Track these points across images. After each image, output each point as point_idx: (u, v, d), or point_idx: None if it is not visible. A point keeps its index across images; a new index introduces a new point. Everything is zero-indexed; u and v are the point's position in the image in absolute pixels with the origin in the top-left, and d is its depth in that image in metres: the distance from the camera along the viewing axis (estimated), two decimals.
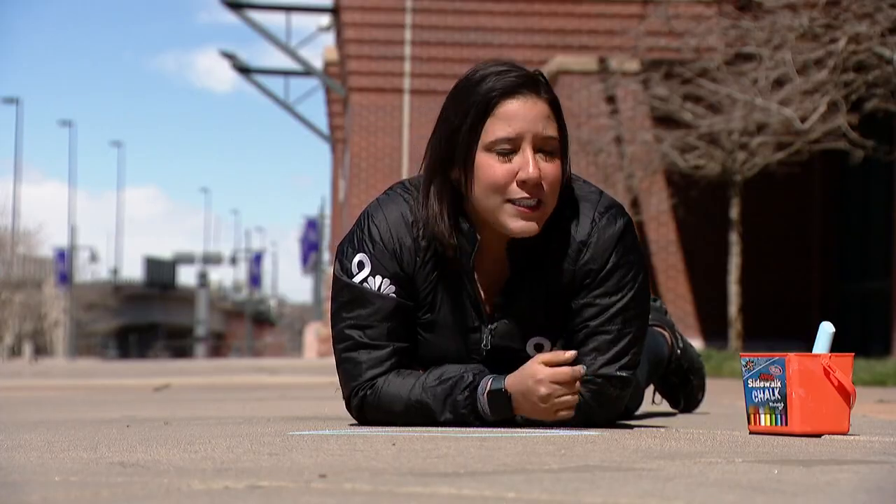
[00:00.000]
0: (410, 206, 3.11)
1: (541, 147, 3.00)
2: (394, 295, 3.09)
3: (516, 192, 2.99)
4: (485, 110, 2.99)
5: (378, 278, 3.09)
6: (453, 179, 3.05)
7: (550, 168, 3.00)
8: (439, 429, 3.04)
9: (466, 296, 3.12)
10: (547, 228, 3.05)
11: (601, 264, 3.07)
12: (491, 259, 3.10)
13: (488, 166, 2.99)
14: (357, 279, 3.11)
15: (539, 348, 3.15)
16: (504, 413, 3.03)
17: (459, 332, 3.14)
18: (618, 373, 3.09)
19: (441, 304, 3.13)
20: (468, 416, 3.05)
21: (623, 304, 3.09)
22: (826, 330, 2.95)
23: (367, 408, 3.14)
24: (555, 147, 3.02)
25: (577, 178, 3.16)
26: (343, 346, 3.14)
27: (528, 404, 3.00)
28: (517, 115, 2.99)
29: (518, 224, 3.00)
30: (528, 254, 3.08)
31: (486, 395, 3.02)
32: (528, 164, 2.97)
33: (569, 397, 2.98)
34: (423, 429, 3.05)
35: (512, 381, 3.01)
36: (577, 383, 2.99)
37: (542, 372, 2.96)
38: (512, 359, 3.13)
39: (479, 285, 3.12)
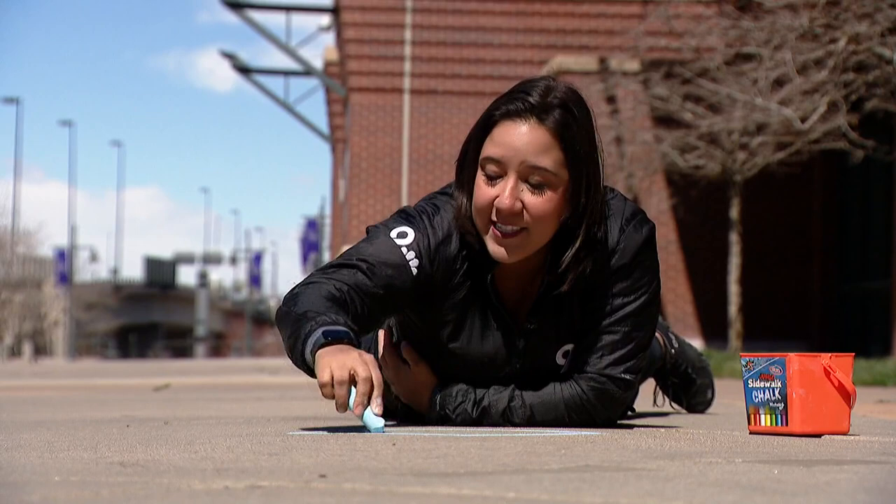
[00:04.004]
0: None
1: (528, 177, 2.95)
2: (414, 270, 3.01)
3: (494, 216, 2.97)
4: (485, 128, 2.99)
5: (412, 253, 3.02)
6: (466, 186, 3.04)
7: (535, 200, 2.95)
8: (439, 429, 3.04)
9: (495, 314, 3.11)
10: (570, 247, 3.02)
11: (623, 265, 3.08)
12: (517, 276, 3.10)
13: (478, 186, 2.99)
14: (395, 240, 3.03)
15: (567, 355, 3.15)
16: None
17: (490, 350, 3.13)
18: (622, 375, 3.10)
19: (470, 318, 3.10)
20: (299, 342, 2.83)
21: (634, 308, 3.09)
22: None
23: (286, 298, 2.97)
24: (547, 179, 2.95)
25: (607, 191, 3.12)
26: (335, 261, 3.05)
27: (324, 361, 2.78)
28: (507, 139, 2.95)
29: (493, 248, 2.99)
30: (558, 275, 3.06)
31: (321, 331, 2.81)
32: (505, 192, 2.94)
33: (341, 390, 2.74)
34: (423, 428, 3.06)
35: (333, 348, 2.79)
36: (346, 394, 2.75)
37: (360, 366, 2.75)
38: (543, 369, 3.15)
39: (506, 303, 3.10)
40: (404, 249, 3.02)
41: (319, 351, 2.78)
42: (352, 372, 2.74)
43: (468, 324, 3.11)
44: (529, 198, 2.95)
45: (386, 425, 2.97)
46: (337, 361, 2.75)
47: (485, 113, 3.02)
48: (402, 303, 3.06)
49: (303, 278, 3.05)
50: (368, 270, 2.98)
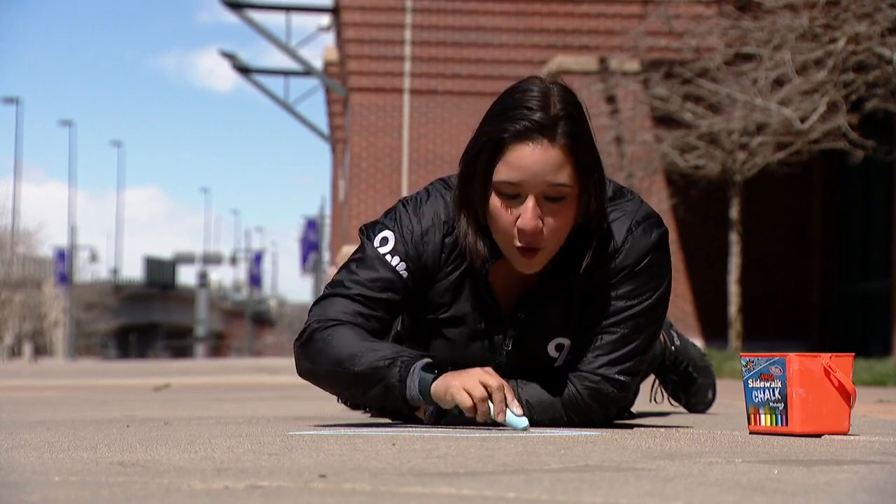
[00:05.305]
0: (446, 204, 3.12)
1: (548, 195, 2.96)
2: (404, 273, 3.10)
3: (517, 237, 2.98)
4: (495, 151, 2.97)
5: (396, 258, 3.11)
6: (475, 203, 3.04)
7: (555, 217, 2.97)
8: (439, 429, 3.05)
9: (486, 304, 3.13)
10: (578, 245, 3.05)
11: (628, 268, 3.08)
12: (513, 270, 3.10)
13: (496, 209, 2.99)
14: (378, 250, 3.13)
15: (560, 348, 3.16)
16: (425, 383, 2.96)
17: (480, 332, 3.16)
18: (616, 375, 3.10)
19: (462, 303, 3.14)
20: (395, 387, 2.98)
21: (637, 311, 3.09)
22: None
23: (310, 347, 3.11)
24: (565, 193, 2.97)
25: (618, 191, 3.15)
26: (329, 290, 3.15)
27: (443, 385, 2.93)
28: (523, 163, 2.94)
29: (518, 263, 3.02)
30: (557, 270, 3.08)
31: (419, 368, 2.97)
32: (527, 214, 2.95)
33: (483, 406, 2.91)
34: (424, 428, 3.06)
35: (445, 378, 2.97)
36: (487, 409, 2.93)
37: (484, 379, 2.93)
38: (535, 360, 3.16)
39: (496, 290, 3.13)
40: (388, 257, 3.11)
41: (433, 388, 2.93)
42: (484, 385, 2.91)
43: (461, 308, 3.15)
44: (549, 216, 2.97)
45: (388, 425, 3.02)
46: (466, 384, 2.91)
47: (490, 133, 2.98)
48: (404, 303, 3.15)
49: (311, 319, 3.15)
50: (361, 297, 3.09)
